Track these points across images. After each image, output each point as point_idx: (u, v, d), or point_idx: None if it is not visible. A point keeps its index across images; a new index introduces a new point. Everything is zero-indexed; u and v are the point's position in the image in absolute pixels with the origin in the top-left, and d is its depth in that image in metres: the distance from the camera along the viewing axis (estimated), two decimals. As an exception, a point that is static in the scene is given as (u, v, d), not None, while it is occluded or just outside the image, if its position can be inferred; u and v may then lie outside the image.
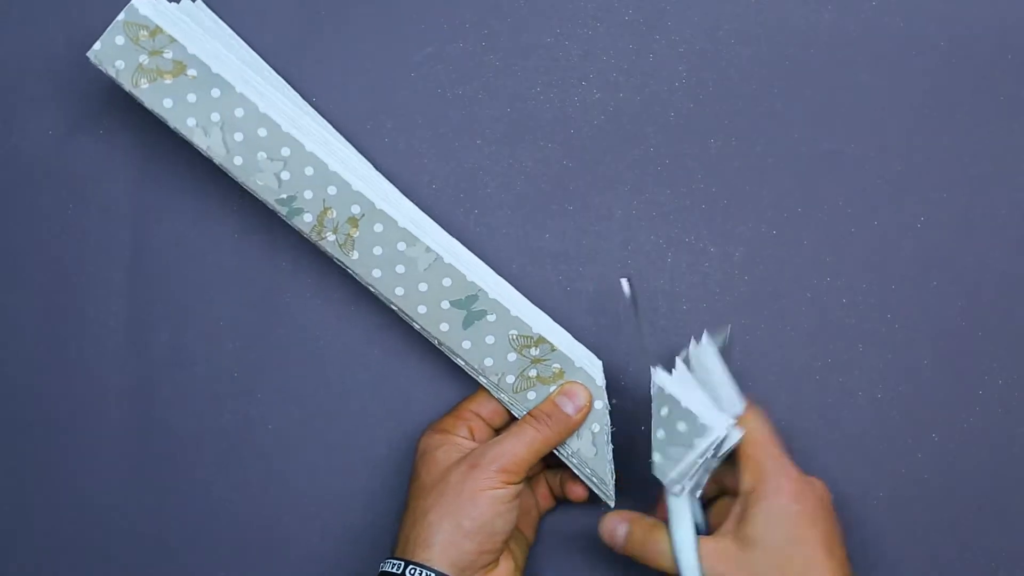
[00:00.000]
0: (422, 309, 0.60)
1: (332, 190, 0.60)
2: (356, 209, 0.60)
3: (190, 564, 0.66)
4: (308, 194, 0.60)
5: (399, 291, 0.60)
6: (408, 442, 0.65)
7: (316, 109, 0.66)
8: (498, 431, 0.62)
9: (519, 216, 0.65)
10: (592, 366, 0.62)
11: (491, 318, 0.60)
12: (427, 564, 0.55)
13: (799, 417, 0.64)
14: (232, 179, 0.61)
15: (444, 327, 0.60)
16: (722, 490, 0.60)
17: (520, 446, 0.58)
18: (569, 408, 0.60)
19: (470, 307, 0.60)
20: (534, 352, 0.60)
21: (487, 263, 0.65)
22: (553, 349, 0.60)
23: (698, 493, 0.58)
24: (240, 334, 0.66)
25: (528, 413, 0.60)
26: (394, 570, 0.56)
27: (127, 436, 0.67)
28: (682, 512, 0.57)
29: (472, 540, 0.56)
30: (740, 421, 0.57)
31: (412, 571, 0.55)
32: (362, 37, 0.66)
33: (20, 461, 0.67)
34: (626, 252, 0.65)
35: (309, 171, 0.59)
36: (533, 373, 0.61)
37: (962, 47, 0.64)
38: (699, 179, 0.65)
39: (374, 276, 0.60)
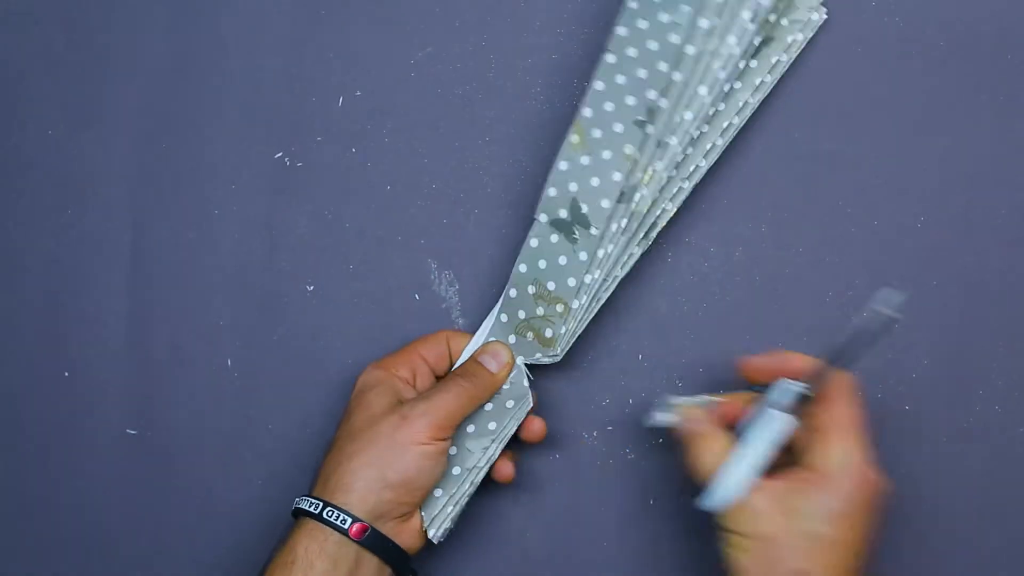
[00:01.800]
0: None
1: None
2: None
3: (190, 564, 0.66)
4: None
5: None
6: (408, 442, 0.65)
7: (316, 109, 0.66)
8: (439, 379, 0.62)
9: (519, 216, 0.65)
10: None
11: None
12: (345, 508, 0.56)
13: (799, 417, 0.64)
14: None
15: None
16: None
17: (450, 402, 0.59)
18: (492, 365, 0.61)
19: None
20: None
21: (487, 263, 0.65)
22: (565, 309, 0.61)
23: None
24: (240, 334, 0.66)
25: (453, 371, 0.61)
26: (311, 508, 0.56)
27: (127, 436, 0.67)
28: (766, 432, 0.55)
29: (393, 491, 0.57)
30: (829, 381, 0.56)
31: (330, 512, 0.56)
32: (362, 37, 0.66)
33: (20, 461, 0.67)
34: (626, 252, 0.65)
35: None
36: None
37: (962, 47, 0.64)
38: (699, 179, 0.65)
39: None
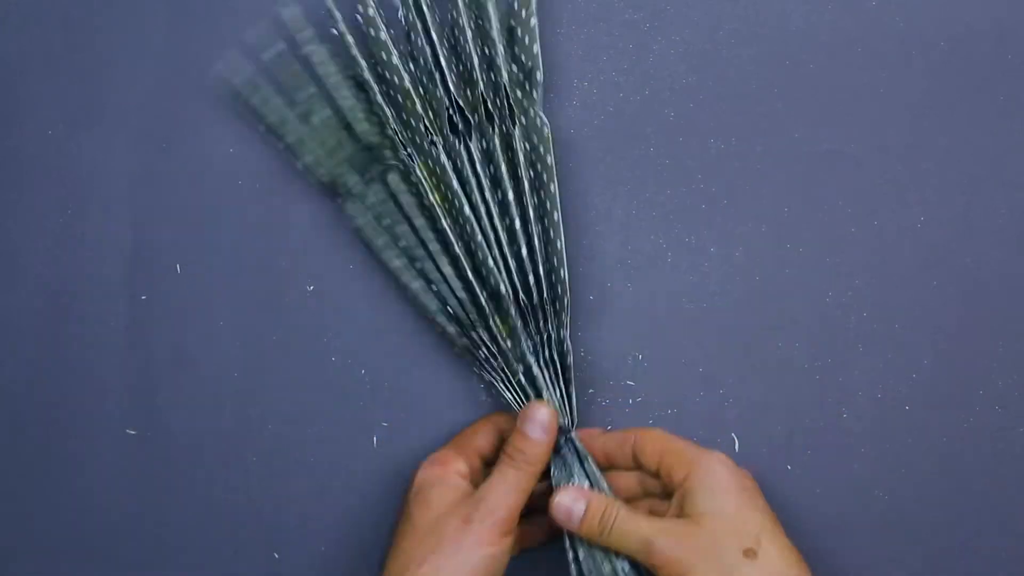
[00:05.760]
0: None
1: None
2: None
3: (190, 564, 0.66)
4: None
5: None
6: (409, 443, 0.65)
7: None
8: (487, 464, 0.62)
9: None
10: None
11: None
12: None
13: (799, 417, 0.64)
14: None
15: None
16: (646, 493, 0.61)
17: (509, 494, 0.58)
18: (537, 432, 0.59)
19: None
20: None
21: (487, 263, 0.65)
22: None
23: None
24: (240, 334, 0.66)
25: (504, 452, 0.59)
26: None
27: (127, 436, 0.67)
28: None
29: None
30: (636, 433, 0.61)
31: None
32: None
33: (20, 461, 0.67)
34: (626, 252, 0.65)
35: None
36: None
37: (962, 47, 0.64)
38: (699, 179, 0.65)
39: None
